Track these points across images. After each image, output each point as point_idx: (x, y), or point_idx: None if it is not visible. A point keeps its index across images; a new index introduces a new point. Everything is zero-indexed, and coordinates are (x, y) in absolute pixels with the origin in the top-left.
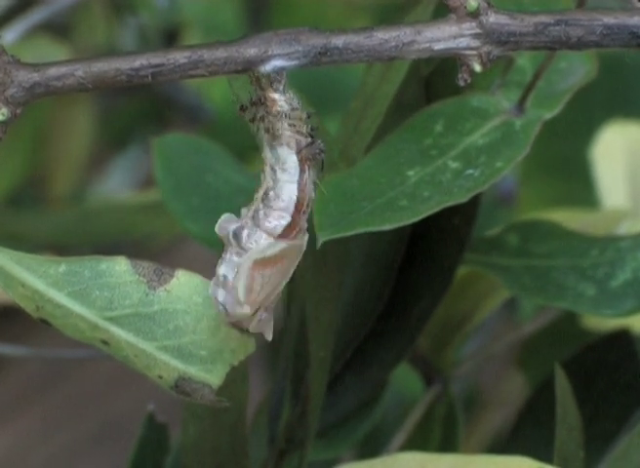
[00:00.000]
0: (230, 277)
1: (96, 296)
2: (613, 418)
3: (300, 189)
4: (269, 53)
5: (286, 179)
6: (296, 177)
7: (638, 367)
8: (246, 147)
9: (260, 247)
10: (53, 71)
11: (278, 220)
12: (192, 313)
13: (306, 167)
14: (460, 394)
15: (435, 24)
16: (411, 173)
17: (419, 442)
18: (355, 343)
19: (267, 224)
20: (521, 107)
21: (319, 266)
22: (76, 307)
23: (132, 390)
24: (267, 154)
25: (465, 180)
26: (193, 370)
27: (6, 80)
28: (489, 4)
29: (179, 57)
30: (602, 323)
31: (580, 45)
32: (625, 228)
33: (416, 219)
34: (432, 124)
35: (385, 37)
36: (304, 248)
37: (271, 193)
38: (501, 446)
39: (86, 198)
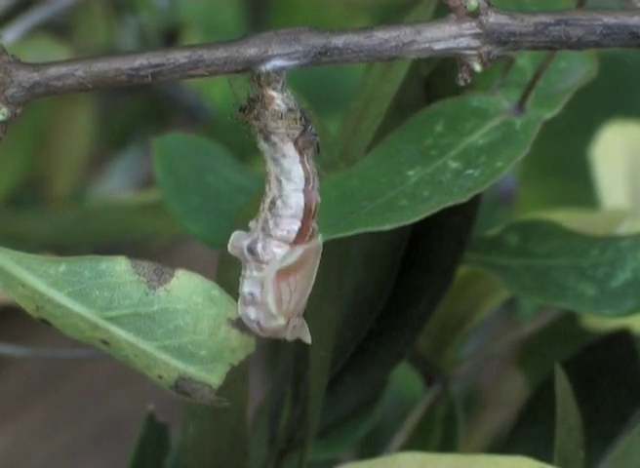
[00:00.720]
0: (257, 293)
1: (96, 296)
2: (613, 418)
3: (307, 196)
4: (269, 53)
5: (292, 188)
6: (302, 186)
7: (638, 367)
8: (246, 147)
9: (279, 256)
10: (53, 71)
11: (289, 226)
12: (192, 313)
13: (305, 158)
14: (460, 394)
15: (435, 24)
16: (411, 172)
17: (419, 442)
18: (355, 343)
19: (280, 233)
20: (521, 107)
21: (319, 266)
22: (76, 307)
23: (132, 390)
24: (271, 166)
25: (465, 180)
26: (193, 370)
27: (6, 80)
28: (489, 4)
29: (179, 56)
30: (602, 323)
31: (579, 45)
32: (625, 228)
33: (416, 219)
34: (432, 124)
35: (385, 37)
36: (321, 248)
37: (278, 202)
38: (501, 446)
39: (86, 198)
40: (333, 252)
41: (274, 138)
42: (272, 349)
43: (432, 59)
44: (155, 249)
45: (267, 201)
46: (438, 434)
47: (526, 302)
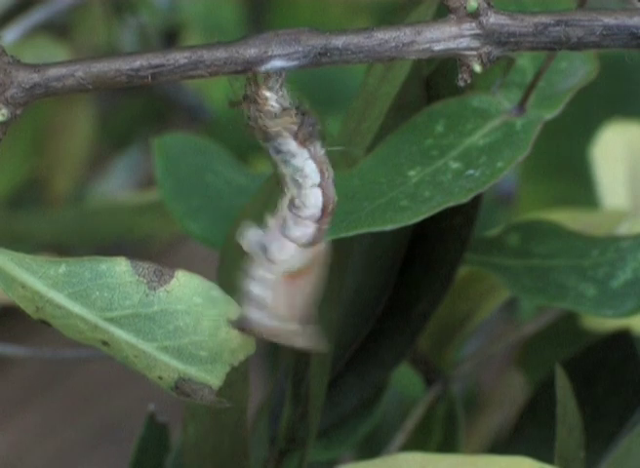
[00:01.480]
0: (263, 294)
1: (96, 297)
2: (613, 418)
3: (324, 192)
4: (269, 53)
5: (309, 185)
6: (318, 180)
7: (638, 367)
8: (246, 147)
9: (291, 259)
10: (53, 72)
11: (306, 229)
12: (192, 314)
13: (313, 151)
14: (460, 394)
15: (435, 25)
16: (412, 173)
17: (419, 442)
18: (356, 343)
19: (297, 233)
20: (522, 108)
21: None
22: (76, 308)
23: (132, 390)
24: (283, 169)
25: (466, 181)
26: (193, 371)
27: (6, 81)
28: (489, 4)
29: (178, 57)
30: (602, 323)
31: (580, 45)
32: (626, 228)
33: (417, 220)
34: (433, 124)
35: (385, 38)
36: (328, 250)
37: (297, 201)
38: (502, 446)
39: (86, 198)
40: (334, 252)
41: (275, 139)
42: (273, 349)
43: (433, 60)
44: (155, 249)
45: (286, 199)
46: (438, 434)
47: (526, 303)
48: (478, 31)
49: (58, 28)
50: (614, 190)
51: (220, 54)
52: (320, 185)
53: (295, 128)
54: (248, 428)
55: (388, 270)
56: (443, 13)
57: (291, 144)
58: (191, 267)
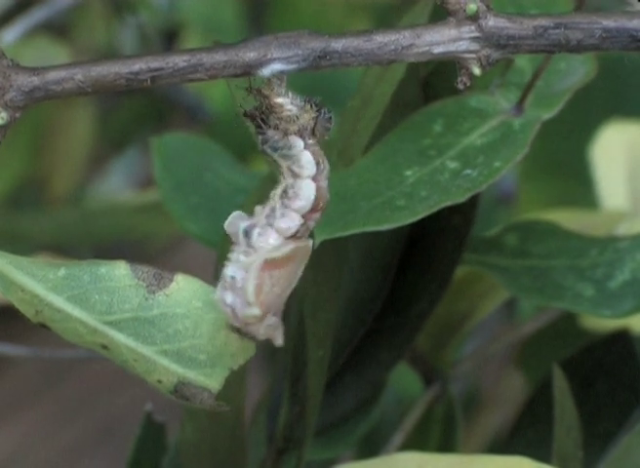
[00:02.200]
0: (239, 277)
1: (95, 301)
2: (612, 419)
3: (318, 187)
4: (269, 56)
5: (305, 175)
6: (314, 171)
7: (637, 367)
8: (246, 147)
9: (271, 246)
10: (52, 75)
11: (292, 221)
12: (192, 317)
13: (309, 143)
14: (459, 394)
15: (434, 28)
16: (409, 172)
17: (418, 442)
18: (354, 343)
19: (282, 224)
20: (520, 107)
21: (317, 266)
22: (75, 311)
23: (131, 390)
24: (281, 162)
25: (464, 180)
26: (193, 375)
27: (5, 84)
28: (488, 7)
29: (178, 60)
30: (601, 323)
31: (579, 48)
32: (624, 229)
33: (414, 219)
34: (431, 124)
35: (384, 41)
36: (310, 250)
37: (291, 192)
38: (501, 446)
39: (86, 198)
40: (331, 252)
41: (289, 138)
42: (271, 348)
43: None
44: (154, 249)
45: (280, 189)
46: (437, 434)
47: (525, 303)
48: (477, 34)
49: (58, 28)
50: (613, 190)
51: (220, 57)
52: (315, 179)
53: (312, 124)
54: (245, 427)
55: (386, 270)
56: (441, 15)
57: (292, 137)
58: (190, 267)
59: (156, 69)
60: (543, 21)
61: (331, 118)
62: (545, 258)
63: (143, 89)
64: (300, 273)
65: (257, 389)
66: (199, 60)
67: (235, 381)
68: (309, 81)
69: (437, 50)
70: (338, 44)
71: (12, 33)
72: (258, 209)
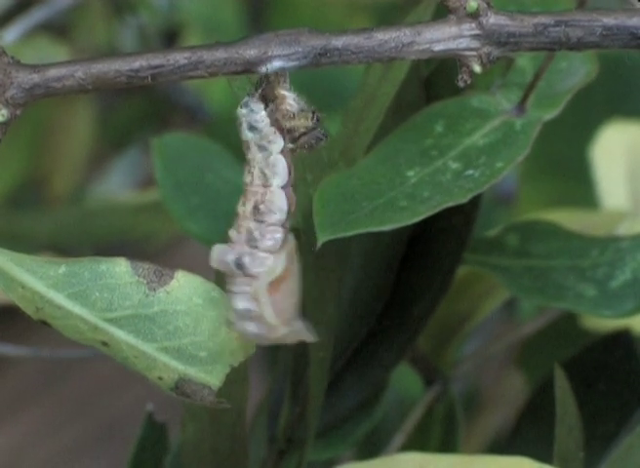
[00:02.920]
0: (252, 307)
1: (96, 298)
2: (613, 419)
3: (288, 195)
4: (269, 54)
5: (276, 184)
6: (285, 182)
7: (638, 367)
8: None
9: (268, 268)
10: (53, 72)
11: (275, 235)
12: (192, 314)
13: (287, 150)
14: (459, 394)
15: (435, 25)
16: (411, 173)
17: (418, 442)
18: (355, 343)
19: (267, 243)
20: (521, 108)
21: (319, 266)
22: (76, 308)
23: (132, 390)
24: (254, 152)
25: (465, 181)
26: (193, 372)
27: (6, 81)
28: (488, 5)
29: (178, 58)
30: (602, 323)
31: (579, 46)
32: (625, 228)
33: (415, 220)
34: (432, 124)
35: (385, 38)
36: (295, 243)
37: (262, 207)
38: (501, 446)
39: (86, 198)
40: (333, 252)
41: (264, 128)
42: (272, 349)
43: (432, 60)
44: (155, 249)
45: (249, 206)
46: (438, 434)
47: (526, 303)
48: (478, 32)
49: (58, 28)
50: (613, 190)
51: (220, 54)
52: (284, 188)
53: (303, 131)
54: (246, 428)
55: (387, 270)
56: (442, 13)
57: (278, 137)
58: (191, 267)
59: (157, 66)
60: (544, 19)
61: (323, 137)
62: (546, 258)
63: (144, 87)
64: (298, 269)
65: (258, 390)
66: (200, 58)
67: (237, 382)
68: (309, 80)
69: (438, 47)
70: (338, 41)
71: (12, 33)
72: (233, 234)
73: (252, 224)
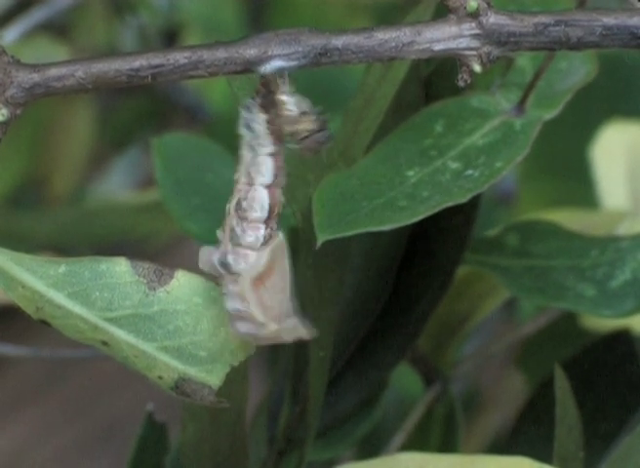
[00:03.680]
0: (241, 307)
1: (96, 297)
2: (613, 419)
3: (271, 196)
4: (269, 53)
5: (259, 183)
6: (269, 182)
7: (638, 367)
8: None
9: (250, 265)
10: (53, 72)
11: (256, 231)
12: (192, 314)
13: (278, 150)
14: (459, 394)
15: (435, 25)
16: (410, 173)
17: (418, 442)
18: (355, 343)
19: (248, 239)
20: (521, 108)
21: (319, 266)
22: (76, 308)
23: (132, 390)
24: (246, 149)
25: (465, 181)
26: (193, 371)
27: (6, 81)
28: (489, 4)
29: (179, 57)
30: (602, 323)
31: (579, 45)
32: (625, 228)
33: (415, 220)
34: (432, 124)
35: (385, 38)
36: (284, 243)
37: (244, 204)
38: (501, 446)
39: (86, 198)
40: (332, 252)
41: (258, 127)
42: (272, 348)
43: (432, 60)
44: (155, 249)
45: (234, 202)
46: (438, 434)
47: (526, 303)
48: (478, 31)
49: (58, 28)
50: (613, 190)
51: (221, 54)
52: (269, 187)
53: (306, 134)
54: (246, 428)
55: (387, 270)
56: (442, 13)
57: (269, 136)
58: (191, 267)
59: (157, 66)
60: (544, 19)
61: (326, 140)
62: (546, 258)
63: (144, 87)
64: (288, 265)
65: (258, 390)
66: (200, 57)
67: (237, 381)
68: (309, 81)
69: (438, 47)
70: (338, 41)
71: (12, 33)
72: (219, 234)
73: (234, 221)
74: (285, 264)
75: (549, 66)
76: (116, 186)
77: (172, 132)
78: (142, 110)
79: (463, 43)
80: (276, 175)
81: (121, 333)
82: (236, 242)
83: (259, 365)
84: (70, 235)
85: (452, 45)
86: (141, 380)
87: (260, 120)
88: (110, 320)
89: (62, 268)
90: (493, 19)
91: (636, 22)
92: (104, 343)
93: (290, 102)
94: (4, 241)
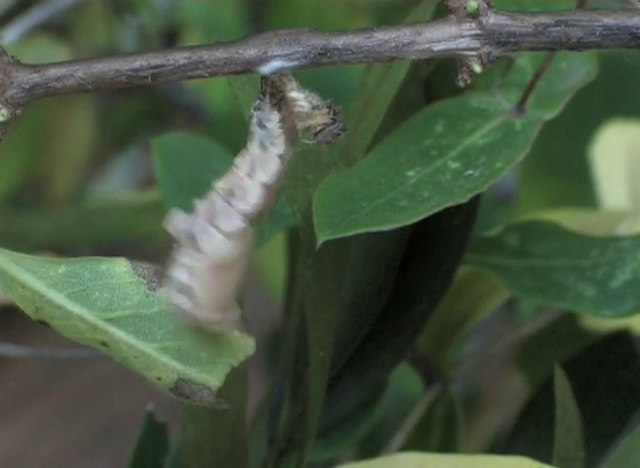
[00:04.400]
0: (188, 282)
1: (95, 298)
2: (613, 419)
3: (266, 196)
4: (269, 53)
5: (260, 179)
6: (270, 182)
7: (638, 367)
8: None
9: (217, 251)
10: (53, 72)
11: (236, 222)
12: None
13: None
14: (460, 394)
15: (435, 25)
16: (411, 173)
17: (418, 442)
18: (355, 343)
19: (225, 226)
20: (521, 108)
21: (319, 266)
22: (76, 308)
23: (132, 390)
24: (256, 149)
25: (465, 181)
26: (193, 372)
27: (6, 81)
28: (489, 4)
29: (178, 57)
30: (602, 323)
31: (579, 46)
32: (625, 228)
33: (415, 220)
34: (432, 124)
35: (385, 38)
36: (252, 238)
37: (237, 192)
38: (501, 446)
39: (86, 198)
40: (332, 252)
41: (270, 126)
42: (272, 349)
43: (432, 60)
44: (155, 249)
45: (226, 185)
46: (438, 434)
47: (526, 303)
48: (478, 31)
49: (58, 28)
50: (613, 190)
51: (221, 54)
52: (266, 187)
53: (322, 127)
54: (246, 428)
55: (387, 270)
56: (442, 13)
57: (283, 135)
58: None
59: (157, 66)
60: (544, 19)
61: (341, 132)
62: (546, 258)
63: (144, 87)
64: (247, 263)
65: (258, 390)
66: (200, 58)
67: (237, 382)
68: (309, 80)
69: (438, 47)
70: (338, 41)
71: (12, 33)
72: (198, 205)
73: (219, 202)
74: (245, 262)
75: (549, 66)
76: (116, 186)
77: (172, 132)
78: (142, 110)
79: (463, 43)
80: (277, 178)
81: (121, 334)
82: (213, 222)
83: (259, 365)
84: (70, 235)
85: (452, 45)
86: (141, 381)
87: (273, 118)
88: (110, 320)
89: (62, 268)
90: (493, 19)
91: (636, 22)
92: (104, 344)
93: (301, 98)
94: (4, 241)
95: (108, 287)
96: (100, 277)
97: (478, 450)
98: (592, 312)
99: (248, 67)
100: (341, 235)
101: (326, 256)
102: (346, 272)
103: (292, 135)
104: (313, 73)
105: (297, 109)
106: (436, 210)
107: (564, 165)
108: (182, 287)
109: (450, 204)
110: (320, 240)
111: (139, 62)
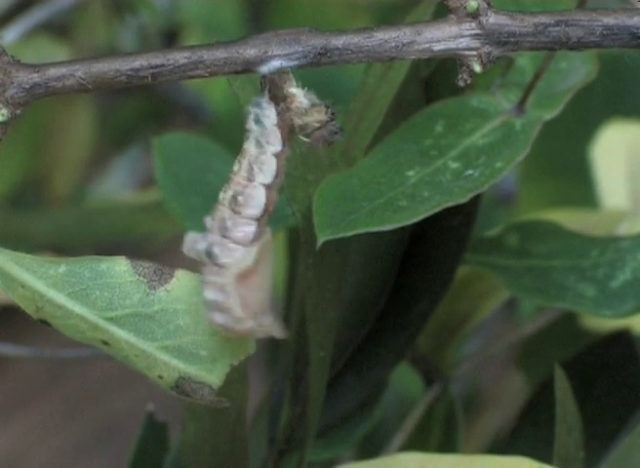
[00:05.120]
0: (220, 299)
1: (96, 297)
2: (613, 419)
3: (268, 196)
4: (269, 53)
5: (259, 181)
6: (268, 181)
7: (638, 367)
8: None
9: (237, 260)
10: (53, 72)
11: (247, 228)
12: (192, 313)
13: (284, 149)
14: (459, 394)
15: (435, 25)
16: (411, 173)
17: (418, 442)
18: (355, 343)
19: (238, 234)
20: (521, 108)
21: (319, 266)
22: (76, 308)
23: (132, 390)
24: (251, 148)
25: (465, 181)
26: (193, 371)
27: (6, 81)
28: (489, 4)
29: (178, 57)
30: (602, 323)
31: (579, 45)
32: (625, 228)
33: (415, 220)
34: (432, 124)
35: (385, 38)
36: (271, 240)
37: (240, 198)
38: (501, 446)
39: (86, 198)
40: (333, 252)
41: (266, 122)
42: (272, 349)
43: (432, 60)
44: (155, 249)
45: (229, 194)
46: (438, 434)
47: (526, 303)
48: (478, 31)
49: (58, 28)
50: (613, 190)
51: (221, 54)
52: (267, 187)
53: (319, 125)
54: (247, 428)
55: (387, 270)
56: (442, 13)
57: (278, 133)
58: (191, 267)
59: (157, 66)
60: (544, 19)
61: (338, 131)
62: (546, 258)
63: (144, 87)
64: (271, 264)
65: (258, 390)
66: (200, 57)
67: (237, 381)
68: (308, 80)
69: (438, 47)
70: (338, 41)
71: (12, 33)
72: (208, 221)
73: (227, 213)
74: (269, 263)
75: (549, 66)
76: (116, 186)
77: (172, 132)
78: (142, 110)
79: (463, 43)
80: (276, 177)
81: (121, 333)
82: (225, 234)
83: (259, 365)
84: (70, 235)
85: (452, 45)
86: (142, 380)
87: (270, 114)
88: (110, 319)
89: (62, 268)
90: (493, 19)
91: (636, 22)
92: (105, 343)
93: (300, 95)
94: (4, 241)
95: (109, 286)
96: (101, 276)
97: (478, 450)
98: (592, 312)
99: (248, 67)
100: (341, 235)
101: (326, 256)
102: (346, 272)
103: (288, 132)
104: (313, 73)
105: (295, 105)
106: (436, 210)
107: (564, 165)
108: (216, 305)
109: (450, 204)
110: (320, 240)
111: (139, 62)
